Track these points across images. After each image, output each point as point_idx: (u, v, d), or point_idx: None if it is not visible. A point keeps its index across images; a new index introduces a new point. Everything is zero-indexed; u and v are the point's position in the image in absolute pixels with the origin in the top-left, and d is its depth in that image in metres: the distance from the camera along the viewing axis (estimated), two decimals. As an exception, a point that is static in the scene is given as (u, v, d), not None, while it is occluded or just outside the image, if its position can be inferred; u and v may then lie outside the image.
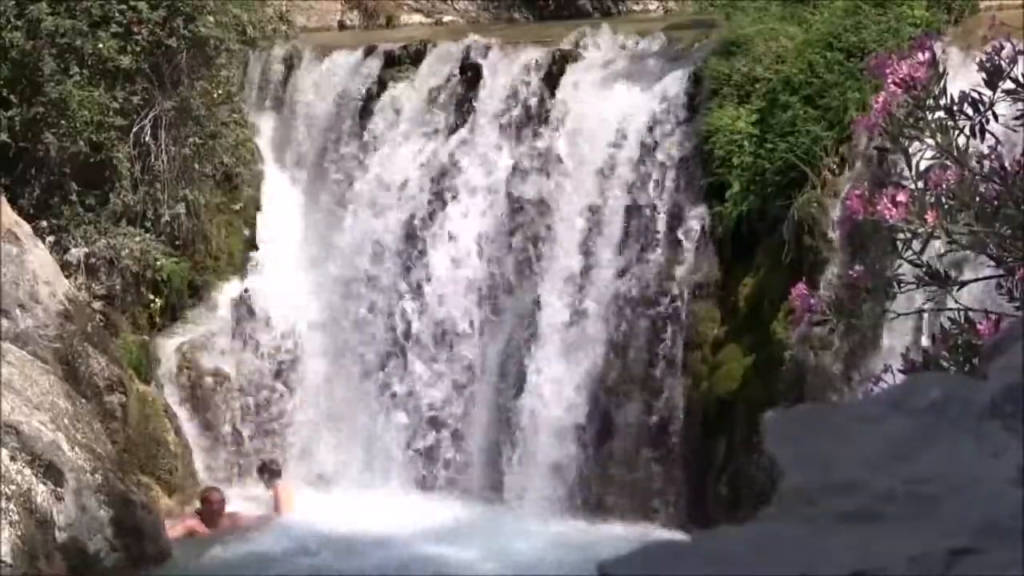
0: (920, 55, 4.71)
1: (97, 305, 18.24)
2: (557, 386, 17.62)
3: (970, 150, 4.66)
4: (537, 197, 18.27)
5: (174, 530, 16.29)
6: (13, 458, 14.36)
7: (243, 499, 17.88)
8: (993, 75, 4.59)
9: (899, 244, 4.75)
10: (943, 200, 4.59)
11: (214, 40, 18.41)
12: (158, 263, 18.47)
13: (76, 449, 15.05)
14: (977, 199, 4.55)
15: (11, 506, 14.00)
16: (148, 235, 18.50)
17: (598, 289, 17.63)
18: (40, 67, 17.72)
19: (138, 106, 18.28)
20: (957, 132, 4.65)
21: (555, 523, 17.06)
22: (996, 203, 4.55)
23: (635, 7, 25.05)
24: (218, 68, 19.10)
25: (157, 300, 18.76)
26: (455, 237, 18.54)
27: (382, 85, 19.66)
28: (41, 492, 14.39)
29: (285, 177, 20.07)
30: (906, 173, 4.75)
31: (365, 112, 19.61)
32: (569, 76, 18.64)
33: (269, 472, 17.83)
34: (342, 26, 24.36)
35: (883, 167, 14.74)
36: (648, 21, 23.19)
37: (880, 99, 4.79)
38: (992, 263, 4.74)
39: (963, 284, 5.06)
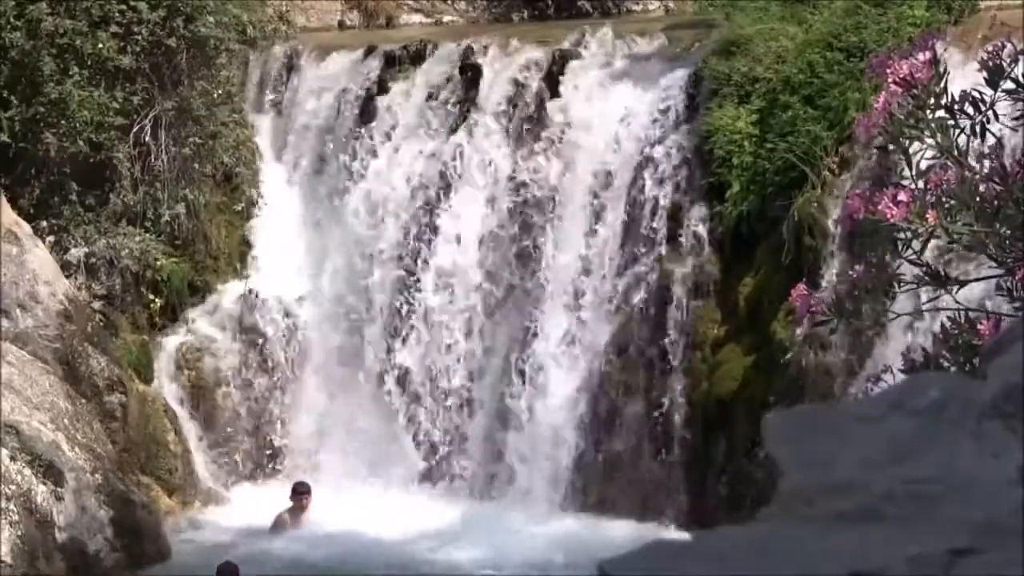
0: (921, 55, 4.70)
1: (97, 305, 18.23)
2: (557, 386, 17.63)
3: (970, 150, 4.66)
4: (537, 196, 18.28)
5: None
6: (13, 458, 14.36)
7: (243, 499, 17.90)
8: (994, 74, 4.58)
9: (899, 244, 4.75)
10: (943, 200, 4.59)
11: (214, 40, 18.41)
12: (158, 263, 18.47)
13: (76, 449, 15.06)
14: (977, 199, 4.55)
15: (11, 506, 14.00)
16: (148, 235, 18.49)
17: (598, 289, 17.63)
18: (40, 67, 17.71)
19: (138, 106, 18.27)
20: (957, 132, 4.64)
21: (555, 523, 17.06)
22: (996, 203, 4.55)
23: (635, 7, 25.04)
24: (218, 68, 19.09)
25: (157, 300, 18.76)
26: (455, 236, 18.53)
27: (382, 85, 19.65)
28: (41, 492, 14.39)
29: (285, 177, 20.06)
30: (906, 173, 4.75)
31: (365, 112, 19.61)
32: (569, 76, 18.64)
33: None
34: (342, 26, 24.34)
35: (883, 167, 14.75)
36: (648, 21, 23.18)
37: (881, 99, 4.79)
38: (992, 263, 4.74)
39: (963, 284, 5.06)
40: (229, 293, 19.29)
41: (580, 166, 18.07)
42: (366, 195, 19.17)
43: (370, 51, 20.19)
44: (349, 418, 18.83)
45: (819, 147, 16.34)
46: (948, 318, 4.88)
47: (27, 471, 14.37)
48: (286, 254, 19.64)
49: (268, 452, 18.90)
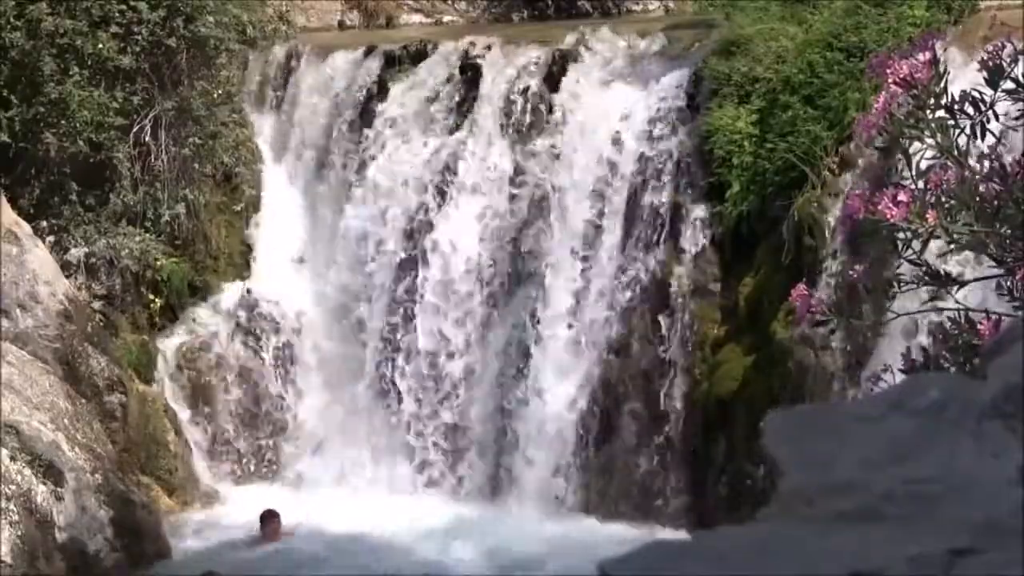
0: (921, 55, 4.70)
1: (97, 305, 18.23)
2: (557, 386, 17.62)
3: (970, 150, 4.66)
4: (537, 197, 18.28)
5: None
6: (13, 458, 14.36)
7: (243, 499, 17.90)
8: (994, 74, 4.58)
9: (899, 244, 4.75)
10: (943, 200, 4.59)
11: (214, 40, 18.41)
12: (158, 263, 18.47)
13: (76, 449, 15.05)
14: (977, 199, 4.55)
15: (11, 506, 14.00)
16: (148, 235, 18.50)
17: (598, 289, 17.63)
18: (40, 67, 17.71)
19: (138, 106, 18.27)
20: (957, 132, 4.64)
21: (555, 523, 17.06)
22: (996, 203, 4.54)
23: (635, 7, 25.05)
24: (218, 68, 19.09)
25: (157, 300, 18.76)
26: (455, 237, 18.54)
27: (382, 85, 19.66)
28: (41, 492, 14.39)
29: (285, 177, 20.07)
30: (906, 173, 4.75)
31: (365, 112, 19.61)
32: (569, 76, 18.65)
33: None
34: (342, 26, 24.35)
35: (883, 167, 14.74)
36: (648, 21, 23.19)
37: (881, 99, 4.79)
38: (992, 263, 4.73)
39: (963, 284, 5.05)
40: (229, 293, 19.31)
41: (580, 166, 18.07)
42: (366, 195, 19.18)
43: (370, 51, 20.19)
44: (350, 418, 18.84)
45: (819, 147, 16.34)
46: (948, 318, 4.88)
47: (27, 471, 14.37)
48: (286, 254, 19.65)
49: (268, 453, 18.91)
